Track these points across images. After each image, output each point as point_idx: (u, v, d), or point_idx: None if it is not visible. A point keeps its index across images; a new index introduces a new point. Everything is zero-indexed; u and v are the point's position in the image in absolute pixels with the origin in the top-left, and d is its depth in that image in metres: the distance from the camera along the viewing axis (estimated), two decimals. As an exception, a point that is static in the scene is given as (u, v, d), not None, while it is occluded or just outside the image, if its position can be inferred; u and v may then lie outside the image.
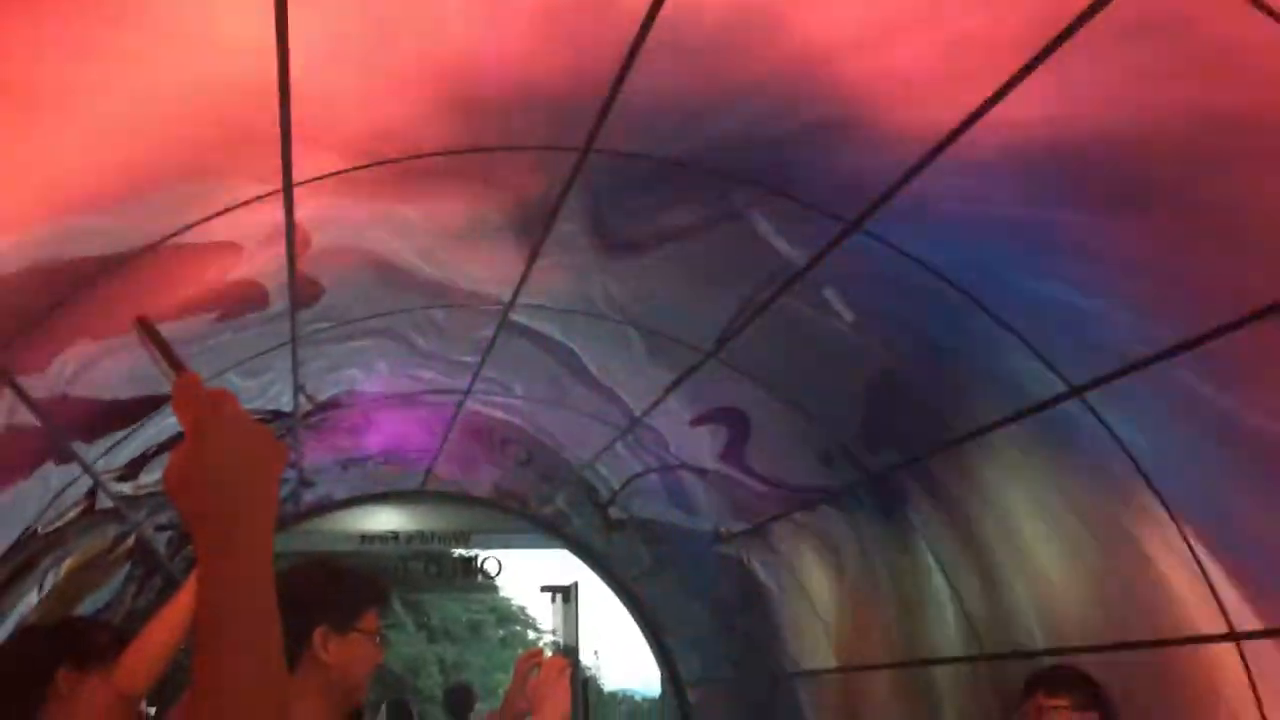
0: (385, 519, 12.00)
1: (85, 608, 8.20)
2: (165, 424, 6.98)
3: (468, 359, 8.20)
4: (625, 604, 12.32)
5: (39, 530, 6.71)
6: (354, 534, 11.76)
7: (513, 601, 37.62)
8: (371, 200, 5.36)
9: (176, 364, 1.29)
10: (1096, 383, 4.77)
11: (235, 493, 1.15)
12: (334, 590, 2.89)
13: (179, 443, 1.19)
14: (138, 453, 7.56)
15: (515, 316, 7.19)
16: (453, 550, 12.76)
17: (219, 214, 4.87)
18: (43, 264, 4.30)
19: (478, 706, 12.19)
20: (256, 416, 8.17)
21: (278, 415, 8.46)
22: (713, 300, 6.55)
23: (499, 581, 12.81)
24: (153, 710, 4.28)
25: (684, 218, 5.68)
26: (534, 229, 5.85)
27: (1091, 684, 4.13)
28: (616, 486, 9.96)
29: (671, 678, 12.13)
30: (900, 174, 4.55)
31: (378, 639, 2.97)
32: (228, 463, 1.16)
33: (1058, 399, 5.03)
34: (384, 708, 12.42)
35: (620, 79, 4.20)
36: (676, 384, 7.59)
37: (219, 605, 1.13)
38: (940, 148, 4.27)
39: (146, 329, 1.34)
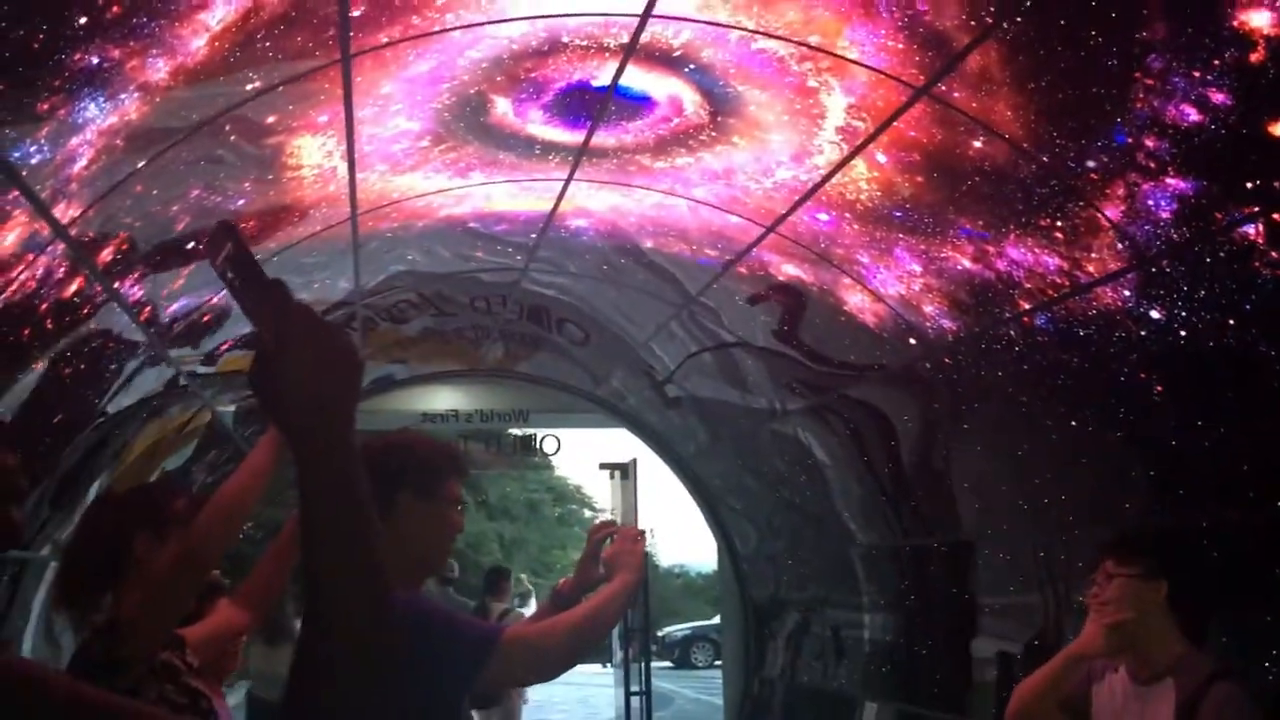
0: (444, 398, 12.24)
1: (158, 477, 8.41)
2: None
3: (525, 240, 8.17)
4: (682, 480, 12.42)
5: (111, 409, 6.81)
6: (414, 413, 11.96)
7: (569, 480, 38.13)
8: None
9: (256, 271, 1.27)
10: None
11: (317, 402, 1.22)
12: (415, 460, 2.87)
13: (262, 349, 1.24)
14: (216, 343, 7.69)
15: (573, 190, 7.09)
16: (511, 429, 12.94)
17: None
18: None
19: (510, 585, 12.70)
20: (321, 307, 8.30)
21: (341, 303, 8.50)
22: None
23: (556, 460, 12.97)
24: (228, 582, 4.30)
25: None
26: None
27: (1164, 548, 4.00)
28: (673, 365, 9.94)
29: (729, 552, 12.28)
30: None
31: (459, 508, 2.95)
32: (309, 374, 1.22)
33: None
34: (486, 573, 12.96)
35: None
36: (737, 259, 7.43)
37: (312, 495, 1.24)
38: None
39: (226, 229, 1.29)
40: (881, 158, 5.77)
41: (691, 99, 6.01)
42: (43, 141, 4.27)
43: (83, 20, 3.45)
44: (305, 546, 1.28)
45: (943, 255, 6.27)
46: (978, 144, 5.27)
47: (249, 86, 4.98)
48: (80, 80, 3.89)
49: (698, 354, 9.34)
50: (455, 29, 5.04)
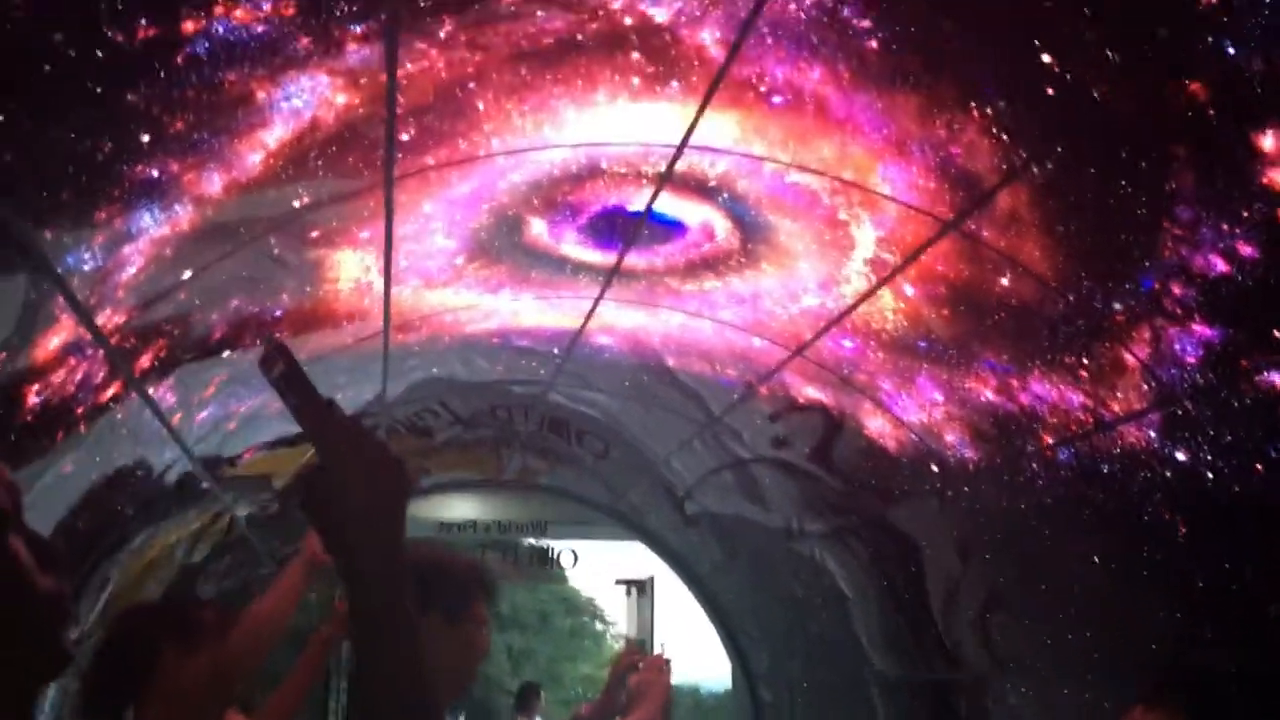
0: (463, 508, 11.99)
1: (174, 586, 8.34)
2: (268, 418, 7.15)
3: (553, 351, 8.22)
4: (698, 598, 12.16)
5: (131, 511, 6.81)
6: (432, 521, 11.76)
7: (582, 592, 37.54)
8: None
9: (309, 389, 1.31)
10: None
11: (368, 519, 1.25)
12: (443, 580, 2.84)
13: (312, 467, 1.28)
14: (240, 448, 7.72)
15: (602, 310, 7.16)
16: (527, 540, 12.72)
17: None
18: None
19: (542, 704, 12.41)
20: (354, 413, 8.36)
21: (364, 413, 8.53)
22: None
23: (570, 572, 12.79)
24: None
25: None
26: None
27: (1193, 693, 3.90)
28: (692, 481, 9.93)
29: (743, 672, 12.04)
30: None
31: (485, 629, 2.90)
32: (360, 492, 1.25)
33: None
34: (519, 690, 12.82)
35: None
36: (760, 382, 7.46)
37: (364, 612, 1.27)
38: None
39: (279, 349, 1.33)
40: (909, 289, 5.83)
41: (723, 226, 6.12)
42: (96, 249, 4.36)
43: (147, 136, 3.56)
44: (358, 661, 1.29)
45: (965, 386, 6.28)
46: (1005, 281, 5.33)
47: (296, 203, 5.10)
48: (138, 191, 3.99)
49: (717, 471, 9.30)
50: (500, 154, 5.17)
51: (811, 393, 7.52)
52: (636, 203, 5.90)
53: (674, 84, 4.57)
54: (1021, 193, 4.75)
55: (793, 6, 4.02)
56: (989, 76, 4.32)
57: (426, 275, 6.66)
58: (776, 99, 4.69)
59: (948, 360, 6.21)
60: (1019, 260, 5.09)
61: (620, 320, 7.66)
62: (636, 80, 4.55)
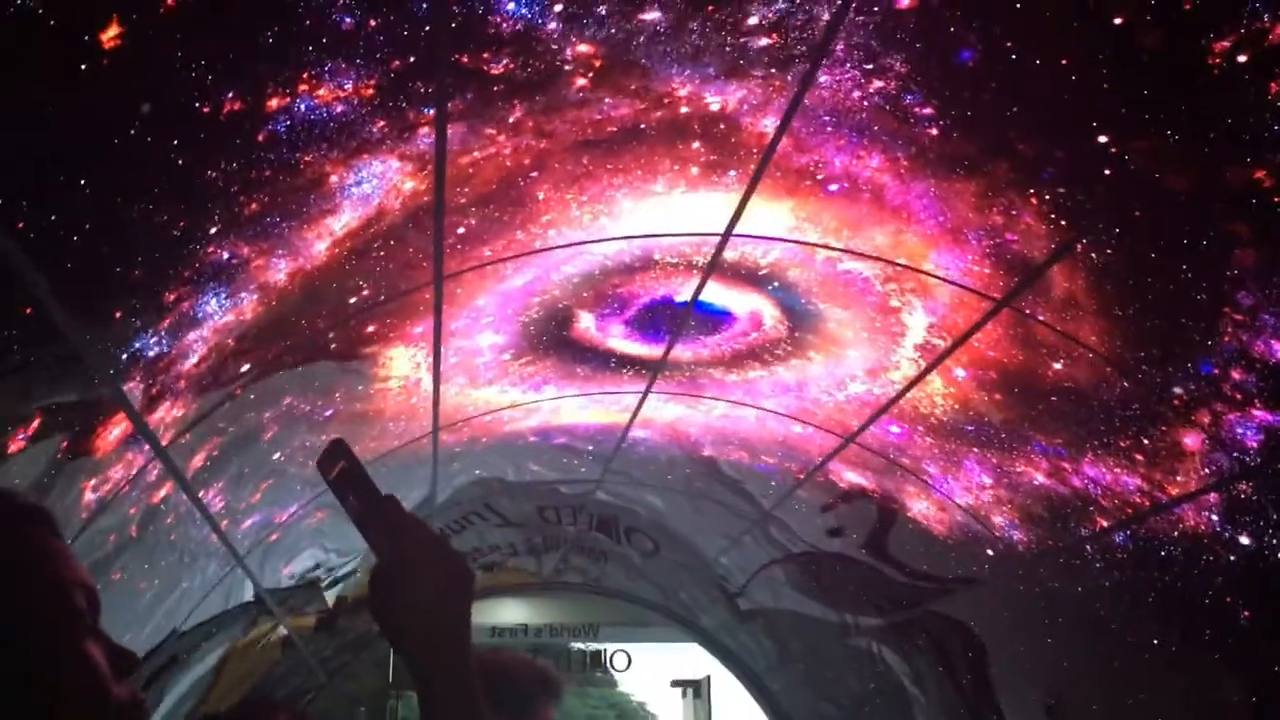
0: (513, 611, 11.58)
1: (240, 695, 8.04)
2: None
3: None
4: (755, 697, 11.42)
5: (184, 625, 6.57)
6: (483, 626, 11.23)
7: (632, 696, 36.38)
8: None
9: (370, 487, 1.25)
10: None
11: (436, 618, 1.20)
12: (509, 685, 2.75)
13: (379, 568, 1.22)
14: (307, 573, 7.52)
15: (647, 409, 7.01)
16: (578, 644, 12.11)
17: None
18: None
19: None
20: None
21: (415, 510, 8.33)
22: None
23: (620, 676, 12.27)
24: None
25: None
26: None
27: None
28: (745, 578, 9.63)
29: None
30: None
31: (551, 732, 2.76)
32: (427, 588, 1.20)
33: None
34: None
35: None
36: (809, 474, 7.24)
37: (433, 712, 1.19)
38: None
39: (340, 447, 1.28)
40: (960, 373, 5.65)
41: (771, 315, 5.98)
42: (162, 334, 4.25)
43: (219, 214, 3.46)
44: None
45: (1017, 469, 6.06)
46: (1058, 365, 5.15)
47: (355, 295, 4.99)
48: (207, 274, 3.89)
49: (770, 565, 9.00)
50: (557, 247, 5.07)
51: (862, 481, 7.30)
52: (684, 293, 5.78)
53: (731, 172, 4.48)
54: (1078, 275, 4.61)
55: (856, 94, 3.93)
56: (1046, 159, 4.21)
57: (472, 373, 6.51)
58: (833, 186, 4.58)
59: (999, 444, 6.00)
60: (1075, 343, 4.92)
61: (664, 414, 7.49)
62: (695, 169, 4.46)
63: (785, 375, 6.54)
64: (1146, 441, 5.15)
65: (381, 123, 3.58)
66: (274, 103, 3.09)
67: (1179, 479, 5.12)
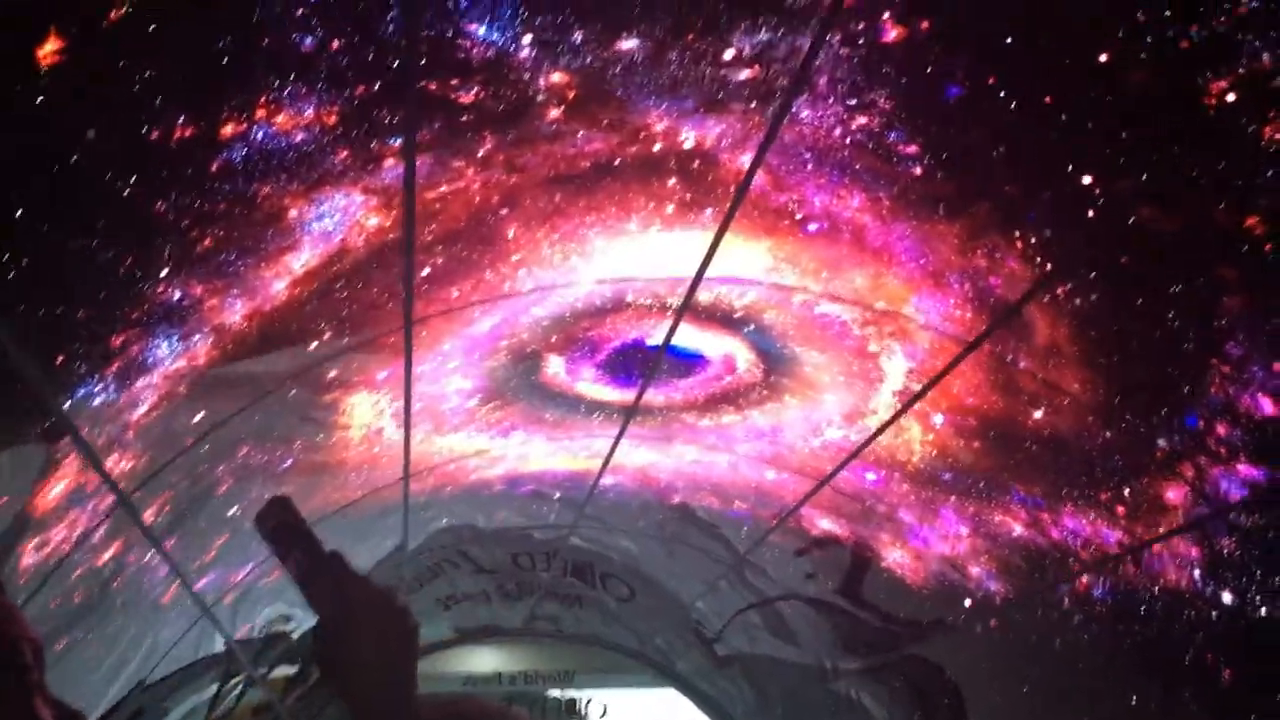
0: (488, 659, 11.21)
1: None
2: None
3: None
4: None
5: (149, 678, 6.23)
6: (457, 675, 10.94)
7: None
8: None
9: (312, 543, 1.26)
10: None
11: (380, 670, 1.22)
12: None
13: (324, 624, 1.24)
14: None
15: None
16: (554, 691, 11.61)
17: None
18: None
19: None
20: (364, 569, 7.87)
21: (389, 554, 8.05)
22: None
23: (594, 723, 11.79)
24: None
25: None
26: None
27: None
28: (721, 622, 9.33)
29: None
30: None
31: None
32: (370, 644, 1.22)
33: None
34: None
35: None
36: (783, 518, 7.02)
37: None
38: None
39: (281, 504, 1.27)
40: (938, 419, 5.47)
41: (745, 358, 5.79)
42: (109, 380, 3.98)
43: (170, 250, 3.22)
44: None
45: (995, 519, 5.87)
46: (1039, 413, 4.98)
47: (317, 340, 4.75)
48: (158, 315, 3.63)
49: (746, 610, 8.74)
50: (529, 290, 4.87)
51: (836, 528, 7.09)
52: (657, 336, 5.58)
53: (708, 211, 4.30)
54: (1061, 321, 4.45)
55: (838, 131, 3.77)
56: (1030, 201, 4.05)
57: (438, 419, 6.25)
58: (812, 226, 4.41)
59: (977, 493, 5.81)
60: (1057, 391, 4.75)
61: (636, 459, 7.26)
62: (670, 206, 4.27)
63: (760, 420, 6.34)
64: (1128, 494, 4.98)
65: (344, 153, 3.37)
66: (229, 129, 2.88)
67: (1160, 533, 4.95)
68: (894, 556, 6.82)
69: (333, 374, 5.20)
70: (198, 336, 4.09)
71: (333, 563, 1.25)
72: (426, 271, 4.55)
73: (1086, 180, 3.83)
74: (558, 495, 7.80)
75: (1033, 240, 4.17)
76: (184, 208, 3.05)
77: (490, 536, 8.58)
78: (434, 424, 6.27)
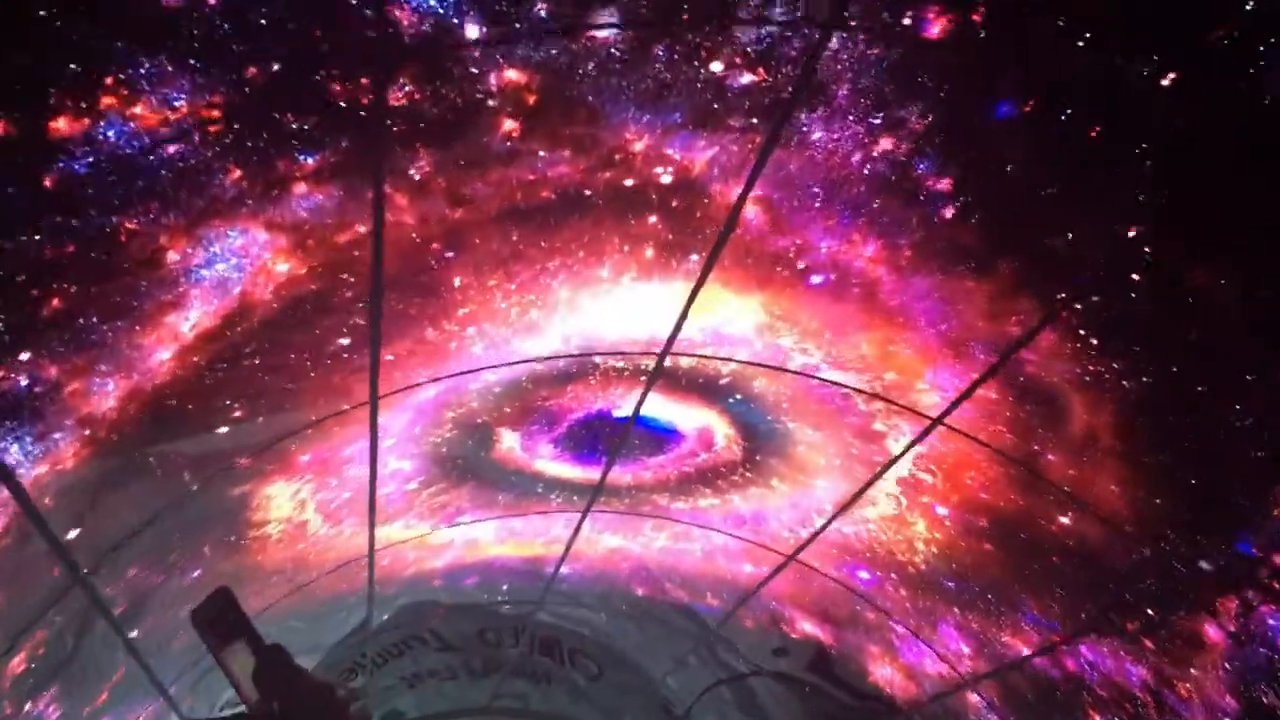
0: None
1: None
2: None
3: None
4: None
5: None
6: None
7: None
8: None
9: (258, 640, 1.27)
10: None
11: None
12: None
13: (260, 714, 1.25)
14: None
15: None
16: None
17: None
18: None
19: None
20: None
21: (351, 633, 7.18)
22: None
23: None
24: None
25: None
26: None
27: None
28: (690, 700, 8.60)
29: None
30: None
31: None
32: None
33: None
34: None
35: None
36: (756, 590, 6.23)
37: None
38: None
39: (222, 595, 1.28)
40: (943, 511, 4.74)
41: (725, 433, 5.04)
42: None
43: (5, 319, 2.41)
44: None
45: (1001, 639, 5.11)
46: (1066, 518, 4.25)
47: (222, 428, 3.95)
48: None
49: (715, 686, 8.11)
50: (479, 352, 4.10)
51: (818, 632, 6.30)
52: (625, 406, 4.83)
53: (693, 256, 3.59)
54: (1104, 407, 3.74)
55: (856, 157, 3.08)
56: (1080, 259, 3.36)
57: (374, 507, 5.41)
58: (816, 279, 3.70)
59: (983, 607, 5.05)
60: (1090, 492, 4.03)
61: (599, 545, 6.47)
62: (649, 250, 3.56)
63: (741, 505, 5.58)
64: (1160, 626, 4.25)
65: (236, 172, 2.62)
66: (62, 124, 2.10)
67: (1195, 676, 4.21)
68: (881, 673, 6.03)
69: (244, 461, 4.38)
70: (60, 433, 3.25)
71: (274, 656, 1.24)
72: (345, 337, 3.79)
73: (1132, 234, 3.17)
74: (506, 587, 6.96)
75: (1078, 306, 3.49)
76: (13, 253, 2.24)
77: (456, 611, 7.96)
78: (362, 517, 5.43)
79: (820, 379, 4.21)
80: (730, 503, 5.55)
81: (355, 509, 5.12)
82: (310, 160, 2.70)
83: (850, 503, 4.88)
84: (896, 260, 3.50)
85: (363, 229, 3.24)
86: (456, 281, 3.68)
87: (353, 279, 3.44)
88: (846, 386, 4.22)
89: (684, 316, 3.71)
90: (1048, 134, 2.91)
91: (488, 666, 9.35)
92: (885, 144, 3.00)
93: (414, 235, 3.30)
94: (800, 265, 3.61)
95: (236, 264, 3.10)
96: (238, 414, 3.89)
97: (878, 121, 2.90)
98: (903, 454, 4.29)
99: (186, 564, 4.66)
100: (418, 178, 2.97)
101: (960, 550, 4.88)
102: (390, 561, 5.93)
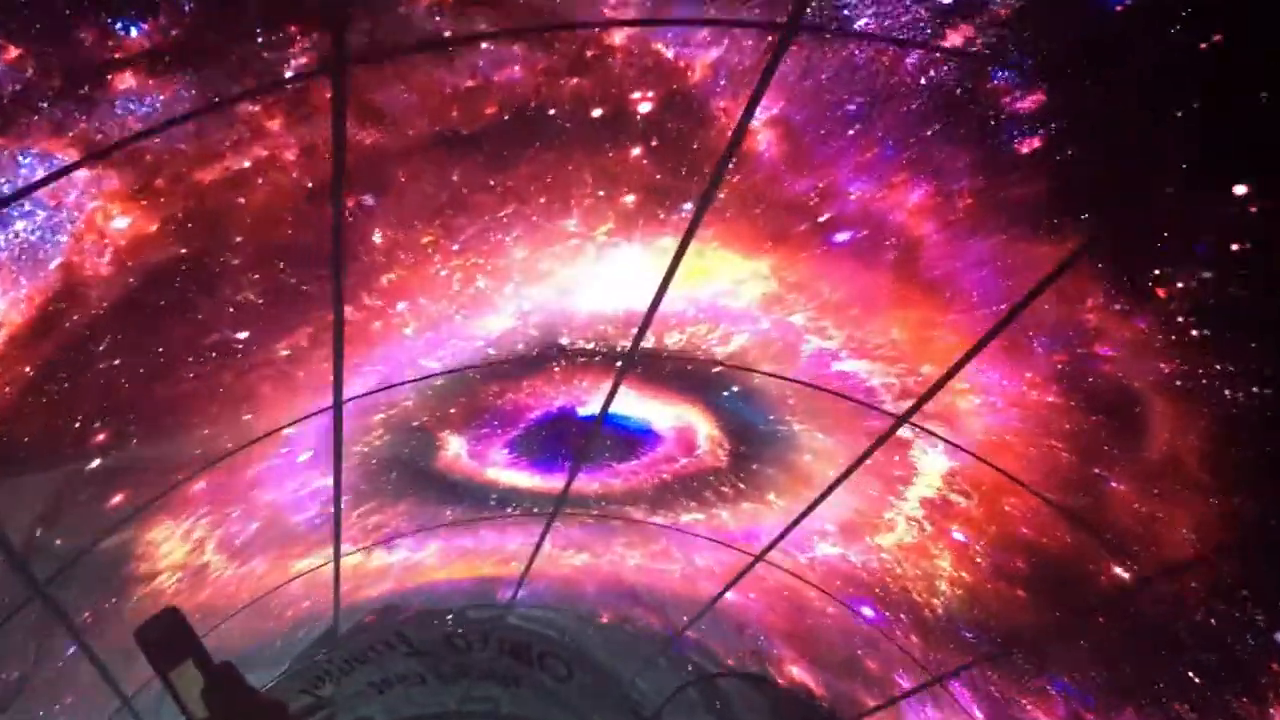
0: None
1: None
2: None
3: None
4: None
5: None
6: None
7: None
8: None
9: (207, 660, 1.26)
10: None
11: None
12: None
13: None
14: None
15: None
16: None
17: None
18: None
19: None
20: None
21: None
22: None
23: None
24: None
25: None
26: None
27: None
28: (660, 701, 8.34)
29: None
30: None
31: None
32: None
33: None
34: None
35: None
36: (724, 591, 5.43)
37: None
38: None
39: (174, 619, 1.26)
40: (977, 550, 3.93)
41: (708, 434, 4.22)
42: None
43: None
44: None
45: (1023, 708, 4.31)
46: (1120, 567, 3.46)
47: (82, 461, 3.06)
48: None
49: (685, 687, 7.80)
50: (410, 325, 3.24)
51: (808, 680, 5.49)
52: (592, 403, 4.02)
53: (687, 205, 2.77)
54: (1194, 423, 2.93)
55: (911, 60, 2.27)
56: (1192, 216, 2.58)
57: (287, 539, 4.47)
58: (842, 235, 2.89)
59: (1006, 665, 4.23)
60: (1154, 540, 3.23)
61: (562, 564, 5.65)
62: (631, 196, 2.72)
63: (729, 521, 4.76)
64: (1216, 709, 3.46)
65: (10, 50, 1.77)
66: None
67: None
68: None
69: (118, 498, 3.48)
70: None
71: (224, 675, 1.21)
72: (240, 333, 2.94)
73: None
74: (450, 616, 6.12)
75: (1179, 285, 2.70)
76: None
77: (424, 615, 7.56)
78: (280, 547, 4.54)
79: (838, 370, 3.39)
80: (717, 518, 4.73)
81: (268, 541, 4.24)
82: (134, 33, 1.85)
83: (826, 493, 4.06)
84: (950, 211, 2.70)
85: (245, 162, 2.40)
86: (376, 238, 2.84)
87: (239, 239, 2.59)
88: (870, 381, 3.40)
89: (669, 277, 2.88)
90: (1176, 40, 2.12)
91: (457, 670, 9.35)
92: (955, 37, 2.19)
93: (295, 173, 2.44)
94: (822, 216, 2.79)
95: (46, 221, 2.24)
96: (100, 438, 3.02)
97: (948, 1, 2.09)
98: (873, 449, 3.46)
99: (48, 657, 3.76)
100: (295, 83, 2.12)
101: (987, 595, 4.08)
102: (314, 597, 5.05)
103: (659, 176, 2.57)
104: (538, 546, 5.04)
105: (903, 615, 4.56)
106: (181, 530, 3.74)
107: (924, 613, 4.42)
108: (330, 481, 4.18)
